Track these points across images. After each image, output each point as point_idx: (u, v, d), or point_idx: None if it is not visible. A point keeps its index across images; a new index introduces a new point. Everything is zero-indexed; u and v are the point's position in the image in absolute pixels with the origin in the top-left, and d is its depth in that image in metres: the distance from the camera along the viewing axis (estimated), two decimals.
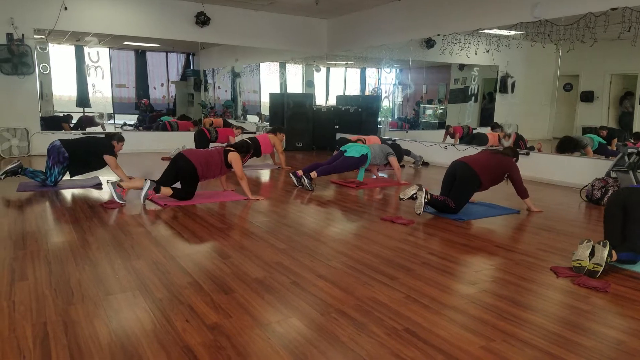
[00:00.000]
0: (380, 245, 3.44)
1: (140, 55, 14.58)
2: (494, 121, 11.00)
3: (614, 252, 2.88)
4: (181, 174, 4.73)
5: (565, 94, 10.43)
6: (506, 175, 4.51)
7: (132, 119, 13.93)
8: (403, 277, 2.78)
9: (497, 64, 9.16)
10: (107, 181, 4.73)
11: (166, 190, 4.61)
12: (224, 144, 6.15)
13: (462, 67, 11.46)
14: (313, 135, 10.55)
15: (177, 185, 4.77)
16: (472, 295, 2.52)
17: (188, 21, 9.26)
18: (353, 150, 5.94)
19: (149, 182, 4.56)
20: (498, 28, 7.46)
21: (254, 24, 9.91)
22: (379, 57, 10.56)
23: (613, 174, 5.22)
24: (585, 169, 6.07)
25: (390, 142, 6.73)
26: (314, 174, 5.74)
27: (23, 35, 8.00)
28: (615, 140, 7.74)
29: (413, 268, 2.95)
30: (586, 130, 9.37)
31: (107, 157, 5.32)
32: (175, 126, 10.74)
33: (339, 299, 2.45)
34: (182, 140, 9.36)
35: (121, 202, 4.49)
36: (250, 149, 5.28)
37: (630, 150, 5.00)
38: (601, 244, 2.88)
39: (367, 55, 10.27)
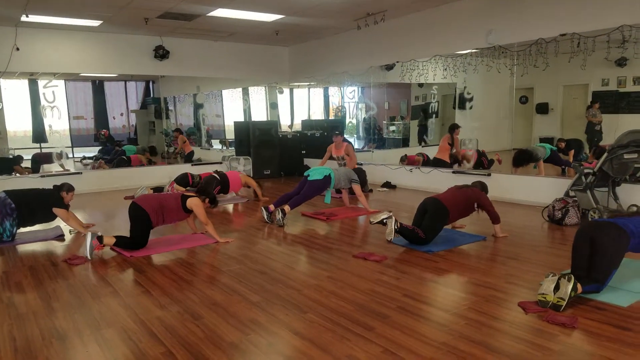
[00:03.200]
0: (354, 289, 3.45)
1: (98, 86, 14.30)
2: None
3: (579, 285, 2.98)
4: (133, 221, 4.58)
5: (522, 107, 10.84)
6: (476, 205, 4.64)
7: (91, 151, 13.61)
8: (380, 327, 2.79)
9: (454, 81, 9.41)
10: (88, 234, 4.44)
11: (109, 240, 4.46)
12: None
13: (421, 84, 11.75)
14: (280, 161, 10.54)
15: None
16: (448, 344, 2.55)
17: (147, 55, 9.17)
18: (316, 173, 5.99)
19: (89, 233, 4.41)
20: (454, 54, 7.71)
21: (215, 54, 9.89)
22: (341, 80, 10.71)
23: (572, 193, 5.41)
24: (544, 188, 6.29)
25: (356, 169, 6.80)
26: (287, 208, 5.73)
27: None
28: (573, 151, 8.06)
29: (389, 314, 2.97)
30: (543, 141, 9.74)
31: (57, 211, 5.11)
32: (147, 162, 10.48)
33: None
34: (148, 177, 9.20)
35: (88, 257, 4.34)
36: (211, 196, 5.05)
37: (586, 170, 5.21)
38: (566, 278, 2.97)
39: (329, 80, 10.40)
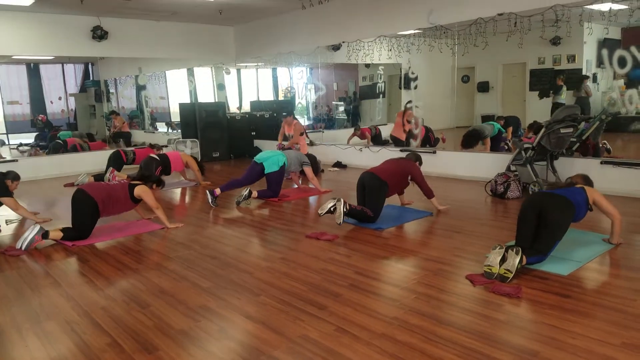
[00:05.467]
0: (307, 269, 3.45)
1: (33, 69, 13.49)
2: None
3: (524, 257, 3.10)
4: (79, 210, 4.36)
5: (464, 86, 11.15)
6: (409, 177, 4.73)
7: (28, 137, 12.86)
8: (332, 305, 2.80)
9: (399, 61, 9.51)
10: (34, 227, 4.21)
11: (55, 234, 4.24)
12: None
13: (368, 65, 11.81)
14: (229, 144, 10.34)
15: None
16: (399, 318, 2.60)
17: (84, 36, 8.65)
18: (269, 162, 5.85)
19: (37, 226, 4.18)
20: (397, 34, 7.77)
21: (157, 34, 9.48)
22: (289, 61, 10.59)
23: (513, 168, 5.63)
24: (487, 163, 6.51)
25: (306, 153, 6.75)
26: (255, 194, 5.72)
27: None
28: (511, 128, 8.37)
29: (341, 292, 2.99)
30: (485, 118, 10.07)
31: (3, 200, 4.88)
32: (87, 148, 9.97)
33: (270, 342, 2.42)
34: (86, 163, 8.80)
35: (22, 249, 4.10)
36: (154, 178, 4.93)
37: (526, 145, 5.42)
38: (514, 250, 3.08)
39: (276, 60, 10.25)
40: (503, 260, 3.09)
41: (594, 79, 9.17)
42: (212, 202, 5.62)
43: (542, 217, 3.26)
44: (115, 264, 3.77)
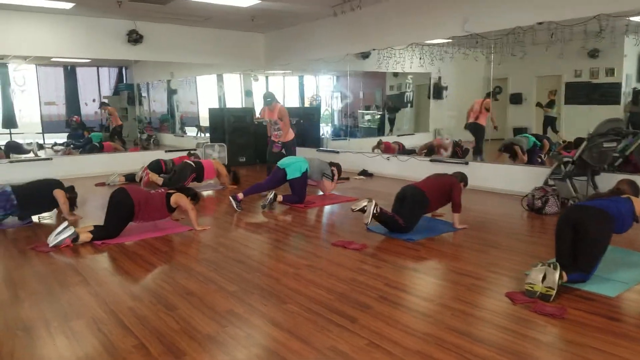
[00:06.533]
0: (335, 278, 3.35)
1: (70, 71, 13.79)
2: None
3: (564, 274, 2.94)
4: (116, 208, 4.41)
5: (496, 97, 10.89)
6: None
7: (63, 137, 13.17)
8: (362, 318, 2.70)
9: (429, 70, 9.36)
10: (66, 225, 4.22)
11: (85, 236, 4.25)
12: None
13: (396, 74, 11.69)
14: (256, 149, 10.35)
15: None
16: (434, 335, 2.48)
17: (120, 39, 8.82)
18: (293, 169, 5.82)
19: (71, 229, 4.20)
20: (431, 42, 7.65)
21: (189, 39, 9.60)
22: (316, 68, 10.55)
23: (551, 182, 5.42)
24: (522, 177, 6.30)
25: (331, 162, 6.63)
26: (280, 198, 5.67)
27: None
28: (546, 141, 8.14)
29: (371, 304, 2.88)
30: (516, 131, 9.82)
31: (58, 192, 5.11)
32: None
33: (299, 352, 2.33)
34: (119, 163, 8.89)
35: (51, 246, 4.13)
36: (191, 193, 4.90)
37: (565, 159, 5.21)
38: (552, 266, 2.93)
39: (304, 68, 10.24)
40: (544, 278, 2.93)
41: (634, 95, 8.86)
42: (237, 206, 5.59)
43: (579, 232, 3.09)
44: (143, 264, 3.75)
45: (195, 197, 4.92)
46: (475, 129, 8.18)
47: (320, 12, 8.33)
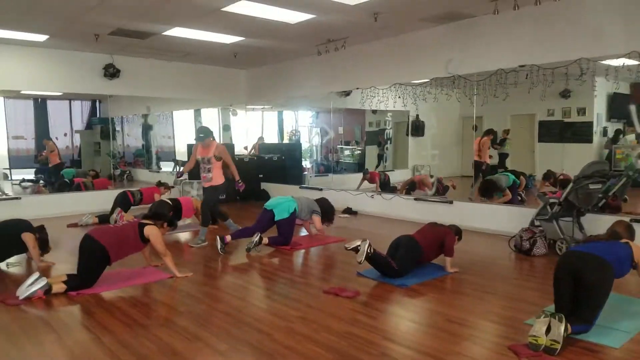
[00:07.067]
0: (329, 332, 3.17)
1: (40, 104, 13.44)
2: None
3: (569, 326, 2.85)
4: (87, 257, 4.11)
5: (472, 135, 11.05)
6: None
7: (31, 173, 12.69)
8: None
9: (408, 108, 9.45)
10: (37, 276, 3.92)
11: (58, 287, 3.95)
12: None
13: (375, 111, 11.80)
14: (236, 185, 10.14)
15: None
16: None
17: (96, 73, 8.63)
18: (281, 209, 5.67)
19: (44, 280, 3.89)
20: (413, 82, 7.75)
21: (168, 74, 9.48)
22: (297, 104, 10.53)
23: (537, 222, 5.42)
24: (506, 216, 6.31)
25: (319, 199, 6.49)
26: (265, 240, 5.49)
27: None
28: (523, 178, 8.21)
29: None
30: (492, 168, 9.94)
31: (26, 236, 4.74)
32: (91, 186, 9.77)
33: None
34: (90, 202, 8.53)
35: (21, 298, 3.83)
36: (167, 218, 4.73)
37: (551, 200, 5.23)
38: (557, 318, 2.84)
39: (285, 103, 10.24)
40: (548, 330, 2.83)
41: (604, 133, 9.12)
42: (220, 249, 5.39)
43: (578, 281, 3.03)
44: (122, 318, 3.50)
45: (171, 222, 4.68)
46: (475, 166, 8.22)
47: (304, 50, 8.37)
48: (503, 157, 9.54)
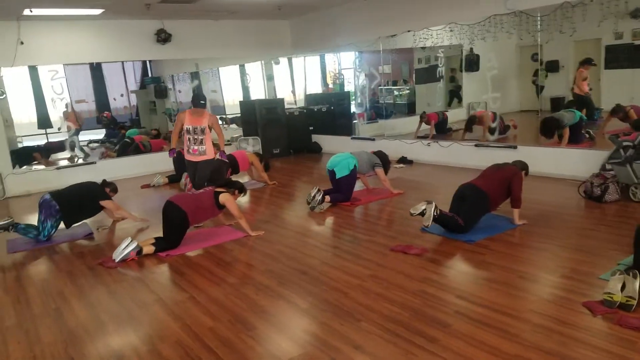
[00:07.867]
0: (403, 290, 3.32)
1: (96, 67, 13.95)
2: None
3: None
4: (171, 221, 4.54)
5: (533, 65, 10.35)
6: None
7: (95, 134, 13.39)
8: (443, 338, 2.68)
9: (460, 42, 9.00)
10: (129, 240, 4.35)
11: (148, 249, 4.40)
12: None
13: (424, 47, 11.28)
14: (289, 139, 10.32)
15: None
16: (523, 357, 2.44)
17: (148, 40, 8.89)
18: (340, 167, 5.74)
19: (135, 243, 4.33)
20: (470, 21, 7.37)
21: (215, 33, 9.57)
22: (341, 47, 10.20)
23: (608, 167, 5.22)
24: (574, 160, 6.10)
25: (377, 151, 6.50)
26: (327, 198, 5.64)
27: None
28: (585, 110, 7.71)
29: (449, 322, 2.85)
30: (553, 101, 9.42)
31: (105, 203, 5.35)
32: (149, 146, 10.23)
33: None
34: (158, 163, 8.95)
35: (116, 261, 4.26)
36: (238, 185, 4.99)
37: (625, 143, 5.01)
38: (631, 274, 2.85)
39: (334, 52, 10.02)
40: (624, 286, 2.85)
41: None
42: (319, 204, 5.55)
43: None
44: (210, 277, 3.83)
45: (241, 189, 5.00)
46: (576, 100, 7.80)
47: None
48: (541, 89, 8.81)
